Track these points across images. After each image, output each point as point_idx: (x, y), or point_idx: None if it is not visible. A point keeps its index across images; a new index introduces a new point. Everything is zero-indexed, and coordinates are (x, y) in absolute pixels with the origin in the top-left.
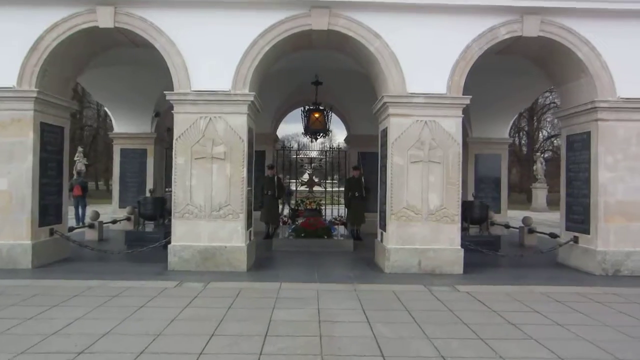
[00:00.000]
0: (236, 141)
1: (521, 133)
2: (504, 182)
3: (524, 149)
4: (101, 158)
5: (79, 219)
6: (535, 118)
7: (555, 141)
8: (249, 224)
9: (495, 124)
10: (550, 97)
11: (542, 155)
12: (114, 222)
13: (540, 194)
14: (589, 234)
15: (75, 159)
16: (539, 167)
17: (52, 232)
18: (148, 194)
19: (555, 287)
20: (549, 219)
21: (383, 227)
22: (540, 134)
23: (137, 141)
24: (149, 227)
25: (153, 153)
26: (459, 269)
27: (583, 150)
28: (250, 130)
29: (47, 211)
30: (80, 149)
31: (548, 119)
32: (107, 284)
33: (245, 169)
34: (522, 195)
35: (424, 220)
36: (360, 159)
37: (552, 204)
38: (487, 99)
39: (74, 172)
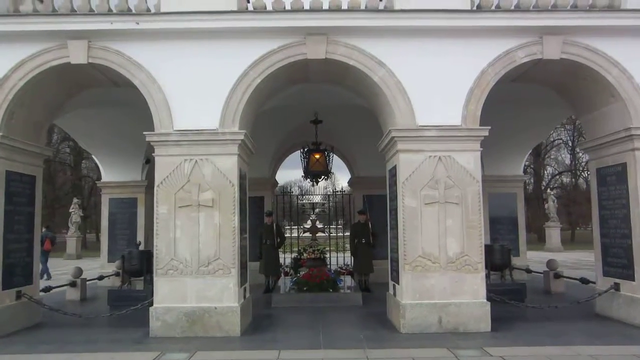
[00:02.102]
0: (226, 186)
1: (527, 170)
2: (520, 222)
3: (529, 187)
4: (100, 209)
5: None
6: (541, 155)
7: (561, 178)
8: (243, 280)
9: (509, 159)
10: (555, 133)
11: (553, 192)
12: (101, 278)
13: (554, 233)
14: (634, 280)
15: (71, 210)
16: (551, 205)
17: (19, 296)
18: (140, 247)
19: (606, 347)
20: (567, 260)
21: (395, 278)
22: (545, 172)
23: (127, 190)
24: (139, 284)
25: (144, 202)
26: (485, 326)
27: (618, 184)
28: (242, 174)
29: (13, 271)
30: (75, 200)
31: (552, 156)
32: (71, 358)
33: (236, 217)
34: (532, 235)
35: (443, 270)
36: (366, 203)
37: (566, 242)
38: (501, 132)
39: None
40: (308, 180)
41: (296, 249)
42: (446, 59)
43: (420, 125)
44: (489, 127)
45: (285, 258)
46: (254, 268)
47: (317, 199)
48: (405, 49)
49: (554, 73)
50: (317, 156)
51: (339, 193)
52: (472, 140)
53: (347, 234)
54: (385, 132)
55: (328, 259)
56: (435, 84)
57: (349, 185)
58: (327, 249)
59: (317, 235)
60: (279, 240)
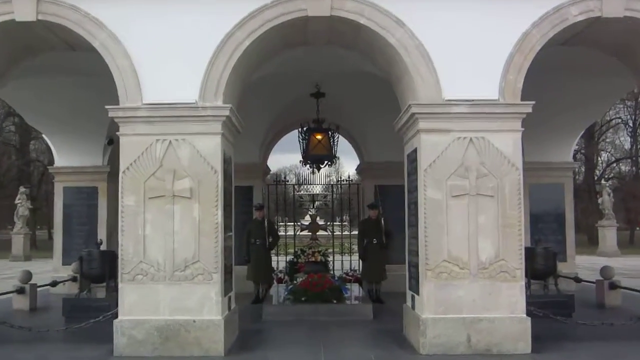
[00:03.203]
0: (207, 173)
1: (577, 156)
2: (569, 220)
3: (579, 177)
4: (52, 201)
5: None
6: (595, 137)
7: (619, 167)
8: (227, 287)
9: (556, 143)
10: (612, 111)
11: (608, 184)
12: (54, 284)
13: (608, 234)
14: None
15: (17, 202)
16: (606, 199)
17: None
18: (102, 246)
19: None
20: (625, 266)
21: (414, 287)
22: (600, 158)
23: (85, 177)
24: (100, 291)
25: (106, 192)
26: (525, 346)
27: None
28: (226, 158)
29: None
30: (22, 189)
31: (608, 139)
32: None
33: (220, 211)
34: (582, 235)
35: (473, 278)
36: (379, 195)
37: (624, 245)
38: (546, 109)
39: None
40: (307, 166)
41: (292, 251)
42: (480, 18)
43: (447, 100)
44: (533, 102)
45: (279, 261)
46: (241, 273)
47: (318, 189)
48: (430, 4)
49: (615, 34)
50: (319, 137)
51: (345, 182)
52: (512, 118)
53: (355, 232)
54: (403, 108)
55: (331, 263)
56: (466, 49)
57: (357, 173)
58: (330, 250)
59: (317, 234)
60: (271, 239)
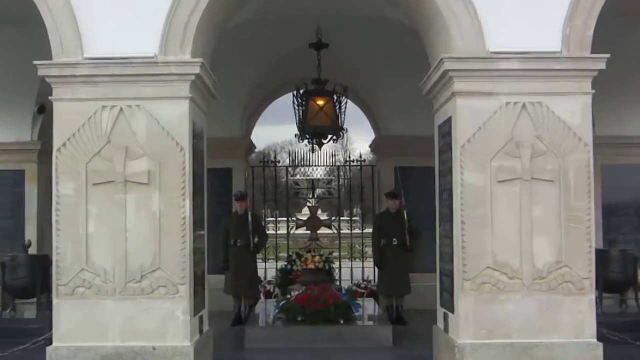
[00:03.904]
0: (170, 151)
1: None
2: None
3: None
4: None
5: None
6: None
7: None
8: (198, 304)
9: (636, 111)
10: None
11: None
12: None
13: None
14: None
15: None
16: None
17: None
18: (31, 249)
19: None
20: None
21: (448, 303)
22: None
23: (8, 157)
24: (29, 309)
25: (36, 177)
26: None
27: None
28: (197, 131)
29: None
30: None
31: None
32: None
33: (188, 202)
34: None
35: (527, 290)
36: (399, 179)
37: None
38: (624, 65)
39: None
40: (305, 142)
41: (285, 255)
42: None
43: (492, 52)
44: (607, 56)
45: (268, 269)
46: (218, 285)
47: (319, 173)
48: None
49: None
50: (321, 103)
51: (355, 164)
52: (579, 76)
53: (369, 230)
54: (433, 64)
55: (337, 271)
56: None
57: (371, 151)
58: (336, 254)
59: (319, 232)
60: (256, 239)
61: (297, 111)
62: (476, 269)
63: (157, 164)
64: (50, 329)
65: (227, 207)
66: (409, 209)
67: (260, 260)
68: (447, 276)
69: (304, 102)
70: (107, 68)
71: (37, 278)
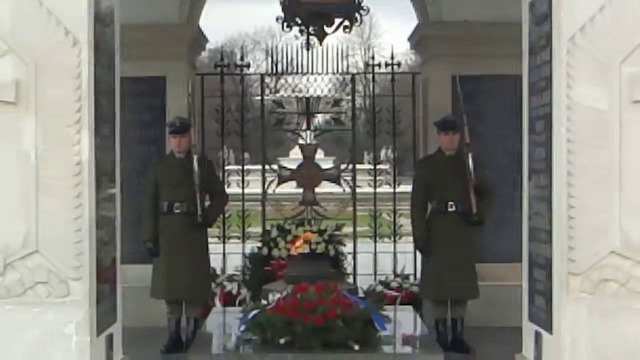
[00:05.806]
0: (56, 44)
1: None
2: None
3: None
4: None
5: None
6: None
7: None
8: (105, 313)
9: None
10: None
11: None
12: None
13: None
14: None
15: None
16: None
17: None
18: None
19: None
20: None
21: (540, 315)
22: None
23: None
24: None
25: None
26: None
27: None
28: (104, 12)
29: None
30: None
31: None
32: None
33: (87, 134)
34: None
35: None
36: (462, 99)
37: None
38: None
39: None
40: (295, 31)
41: (259, 231)
42: None
43: None
44: None
45: (228, 255)
46: (143, 282)
47: (320, 86)
48: None
49: None
50: None
51: (383, 70)
52: None
53: (407, 188)
54: None
55: (349, 259)
56: None
57: (411, 49)
58: (349, 231)
59: (317, 191)
60: (207, 203)
61: None
62: (593, 256)
63: (32, 69)
64: None
65: (157, 145)
66: (477, 150)
67: (215, 240)
68: (541, 268)
69: None
70: None
71: None
